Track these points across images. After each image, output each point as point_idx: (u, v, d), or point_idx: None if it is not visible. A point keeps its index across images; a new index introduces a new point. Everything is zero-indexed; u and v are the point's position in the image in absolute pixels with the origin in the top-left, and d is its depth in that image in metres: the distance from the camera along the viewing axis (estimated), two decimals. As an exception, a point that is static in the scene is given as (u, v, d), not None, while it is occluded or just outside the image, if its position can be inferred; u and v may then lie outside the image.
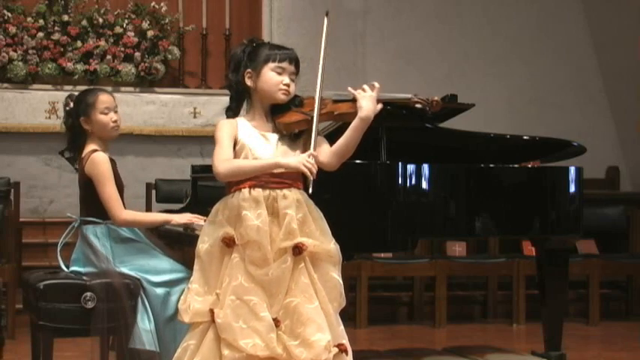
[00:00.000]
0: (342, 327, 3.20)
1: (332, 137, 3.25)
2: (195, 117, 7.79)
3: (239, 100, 3.27)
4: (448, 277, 6.59)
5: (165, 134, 7.73)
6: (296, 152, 3.22)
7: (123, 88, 7.58)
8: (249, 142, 3.18)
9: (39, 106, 7.49)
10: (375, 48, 8.21)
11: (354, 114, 3.14)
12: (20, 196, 6.94)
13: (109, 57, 7.63)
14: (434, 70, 8.16)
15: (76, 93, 3.94)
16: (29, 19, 7.58)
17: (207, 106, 7.79)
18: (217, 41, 8.08)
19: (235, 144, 3.18)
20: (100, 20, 7.68)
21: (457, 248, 6.82)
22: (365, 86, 3.17)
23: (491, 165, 4.55)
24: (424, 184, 4.20)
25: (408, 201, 4.16)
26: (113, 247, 3.69)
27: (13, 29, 7.50)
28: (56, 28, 7.60)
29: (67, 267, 3.76)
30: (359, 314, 6.38)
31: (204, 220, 3.62)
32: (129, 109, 7.41)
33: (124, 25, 7.74)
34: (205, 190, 4.77)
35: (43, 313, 3.61)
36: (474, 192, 4.37)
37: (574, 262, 5.76)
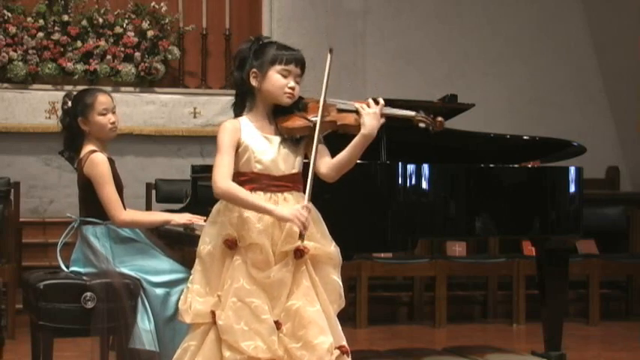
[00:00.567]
0: (340, 328, 3.21)
1: (328, 138, 3.25)
2: (195, 117, 7.79)
3: (244, 99, 3.25)
4: (448, 277, 6.59)
5: (165, 134, 7.73)
6: (297, 157, 3.21)
7: (123, 88, 7.58)
8: (252, 144, 3.16)
9: (39, 106, 7.49)
10: (375, 48, 8.21)
11: (357, 127, 3.13)
12: (20, 196, 6.93)
13: (109, 57, 7.63)
14: (434, 70, 8.16)
15: (75, 92, 3.93)
16: (29, 19, 7.58)
17: (207, 106, 7.79)
18: (217, 41, 8.08)
19: (238, 146, 3.16)
20: (100, 20, 7.68)
21: (457, 248, 6.82)
22: (370, 100, 3.16)
23: (491, 165, 4.55)
24: (424, 184, 4.20)
25: (408, 201, 4.16)
26: (113, 248, 3.69)
27: (13, 29, 7.50)
28: (56, 28, 7.60)
29: (67, 267, 3.76)
30: (359, 314, 6.38)
31: (204, 220, 3.63)
32: (129, 109, 7.41)
33: (124, 25, 7.74)
34: (205, 190, 4.75)
35: (43, 313, 3.61)
36: (473, 192, 4.37)
37: (574, 262, 5.76)
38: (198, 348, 3.13)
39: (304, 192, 3.13)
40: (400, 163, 4.12)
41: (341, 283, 3.20)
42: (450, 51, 8.33)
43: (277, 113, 3.23)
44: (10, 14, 7.55)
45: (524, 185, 4.54)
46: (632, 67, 8.26)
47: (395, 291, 7.04)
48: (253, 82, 3.19)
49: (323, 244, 3.16)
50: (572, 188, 4.61)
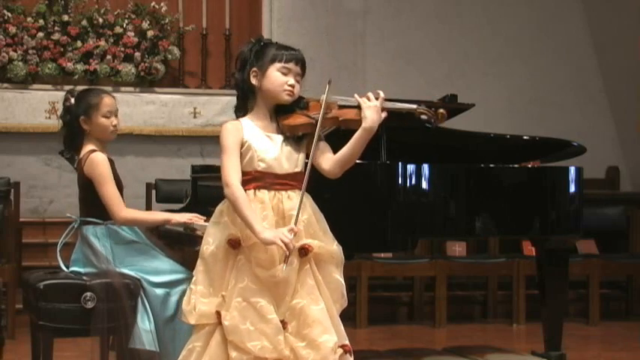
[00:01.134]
0: (342, 327, 3.21)
1: (330, 135, 3.25)
2: (195, 117, 7.79)
3: (245, 99, 3.26)
4: (448, 277, 6.59)
5: (165, 134, 7.73)
6: (300, 154, 3.22)
7: (123, 88, 7.58)
8: (254, 143, 3.17)
9: (39, 106, 7.49)
10: (375, 48, 8.21)
11: (359, 122, 3.13)
12: (20, 196, 6.93)
13: (109, 57, 7.63)
14: (434, 70, 8.16)
15: (78, 89, 3.92)
16: (29, 19, 7.58)
17: (207, 106, 7.79)
18: (217, 41, 8.09)
19: (241, 146, 3.17)
20: (100, 20, 7.68)
21: (457, 248, 6.82)
22: (370, 94, 3.17)
23: (491, 165, 4.54)
24: (424, 184, 4.20)
25: (408, 201, 4.15)
26: (113, 248, 3.69)
27: (13, 29, 7.50)
28: (56, 28, 7.60)
29: (67, 267, 3.76)
30: (359, 314, 6.38)
31: (204, 220, 3.63)
32: (129, 109, 7.41)
33: (124, 25, 7.74)
34: (205, 190, 4.77)
35: (43, 313, 3.61)
36: (473, 192, 4.36)
37: (574, 262, 5.76)
38: (203, 349, 3.13)
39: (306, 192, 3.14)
40: (400, 163, 4.12)
41: (343, 282, 3.21)
42: (450, 51, 8.33)
43: (279, 112, 3.24)
44: (10, 14, 7.55)
45: (524, 185, 4.54)
46: (632, 67, 8.26)
47: (395, 291, 7.04)
48: (254, 81, 3.21)
49: (325, 242, 3.16)
50: (572, 188, 4.61)
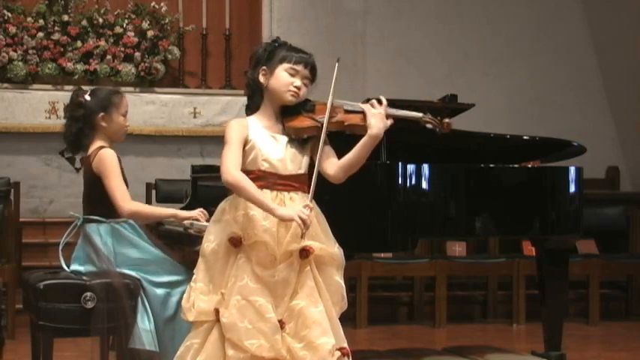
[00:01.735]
0: (341, 330, 3.21)
1: (335, 139, 3.25)
2: (195, 117, 7.79)
3: (254, 98, 3.28)
4: (448, 277, 6.59)
5: (165, 134, 7.73)
6: (304, 157, 3.23)
7: (123, 88, 7.50)
8: (259, 143, 3.18)
9: (39, 106, 7.49)
10: (375, 48, 8.21)
11: (364, 128, 3.15)
12: (20, 196, 6.93)
13: (109, 57, 7.63)
14: (434, 70, 8.16)
15: (90, 88, 3.92)
16: (29, 19, 7.58)
17: (207, 106, 7.79)
18: (217, 41, 8.09)
19: (245, 144, 3.18)
20: (100, 20, 7.69)
21: (457, 248, 6.82)
22: (374, 101, 3.18)
23: (492, 165, 4.54)
24: (424, 184, 4.20)
25: (408, 201, 4.15)
26: (115, 246, 3.68)
27: (13, 29, 7.50)
28: (56, 28, 7.60)
29: (68, 266, 3.76)
30: (359, 314, 6.38)
31: (206, 220, 3.64)
32: (129, 109, 7.39)
33: (124, 25, 7.75)
34: (205, 190, 4.77)
35: (43, 313, 3.61)
36: (473, 192, 4.36)
37: (574, 262, 5.76)
38: (201, 346, 3.13)
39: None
40: (400, 163, 4.12)
41: (343, 285, 3.21)
42: (450, 51, 8.33)
43: (285, 114, 3.25)
44: (10, 14, 7.56)
45: (524, 185, 4.54)
46: (632, 67, 8.26)
47: (395, 291, 7.04)
48: (262, 80, 3.23)
49: (327, 244, 3.17)
50: (572, 188, 4.61)
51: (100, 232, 3.69)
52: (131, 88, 7.67)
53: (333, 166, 3.20)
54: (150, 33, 7.74)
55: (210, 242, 3.17)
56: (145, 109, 7.68)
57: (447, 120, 3.39)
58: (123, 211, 3.64)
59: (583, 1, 8.65)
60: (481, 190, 4.39)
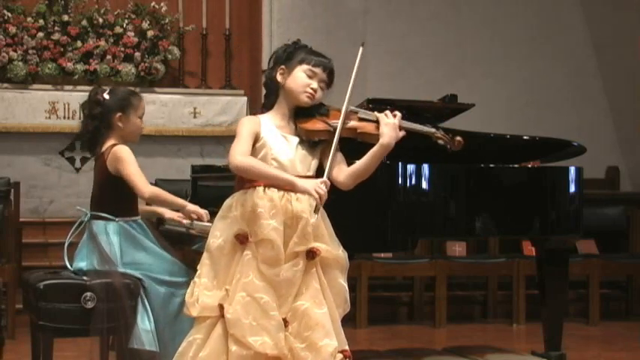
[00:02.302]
0: (343, 333, 3.22)
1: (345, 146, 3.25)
2: (195, 117, 7.79)
3: (269, 96, 3.31)
4: (448, 277, 6.59)
5: (165, 134, 7.73)
6: (313, 160, 3.25)
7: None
8: (270, 141, 3.20)
9: (39, 106, 7.49)
10: (375, 48, 8.19)
11: (376, 137, 3.17)
12: (20, 196, 6.93)
13: (109, 57, 7.63)
14: (434, 71, 8.16)
15: (109, 87, 3.95)
16: (29, 19, 7.58)
17: (207, 106, 7.79)
18: (217, 41, 8.09)
19: (256, 141, 3.20)
20: (100, 20, 7.68)
21: (457, 248, 6.82)
22: (387, 112, 3.20)
23: (491, 165, 4.54)
24: (424, 184, 4.20)
25: (408, 201, 4.15)
26: (122, 244, 3.68)
27: (13, 29, 7.50)
28: (56, 28, 7.60)
29: (71, 265, 3.75)
30: (359, 314, 6.38)
31: (206, 220, 3.65)
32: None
33: (124, 25, 7.74)
34: (205, 190, 4.77)
35: (43, 313, 3.61)
36: (473, 192, 4.36)
37: (574, 262, 5.76)
38: (203, 341, 3.14)
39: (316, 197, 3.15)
40: (400, 163, 4.12)
41: (347, 288, 3.22)
42: (449, 51, 8.33)
43: (299, 115, 3.27)
44: (10, 14, 7.55)
45: (524, 185, 4.54)
46: (632, 67, 8.26)
47: (395, 291, 7.04)
48: (279, 78, 3.27)
49: (332, 247, 3.18)
50: (572, 188, 4.61)
51: (107, 231, 3.69)
52: (131, 88, 7.66)
53: (343, 173, 3.23)
54: (150, 33, 7.74)
55: (217, 238, 3.18)
56: (145, 109, 7.66)
57: (458, 138, 3.42)
58: (144, 194, 3.67)
59: (582, 2, 8.65)
60: (481, 190, 4.39)
